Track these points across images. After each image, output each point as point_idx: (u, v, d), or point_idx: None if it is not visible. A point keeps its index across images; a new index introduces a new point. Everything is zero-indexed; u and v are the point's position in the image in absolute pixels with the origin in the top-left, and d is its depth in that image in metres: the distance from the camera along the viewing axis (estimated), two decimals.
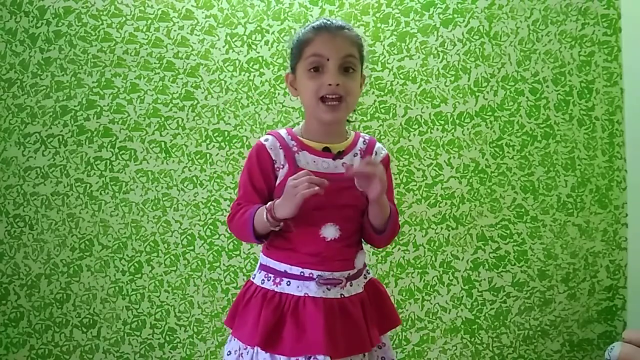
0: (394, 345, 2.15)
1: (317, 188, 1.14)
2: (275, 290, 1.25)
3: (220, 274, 2.13)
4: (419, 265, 2.15)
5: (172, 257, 2.14)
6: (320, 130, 1.29)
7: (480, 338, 2.16)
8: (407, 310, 2.15)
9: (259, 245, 1.32)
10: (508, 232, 2.15)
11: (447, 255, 2.15)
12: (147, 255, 2.14)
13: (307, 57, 1.25)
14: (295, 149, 1.27)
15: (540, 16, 2.13)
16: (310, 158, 1.27)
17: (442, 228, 2.15)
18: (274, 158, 1.26)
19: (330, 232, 1.24)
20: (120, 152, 2.14)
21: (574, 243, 2.14)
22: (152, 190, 2.14)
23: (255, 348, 1.22)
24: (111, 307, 2.15)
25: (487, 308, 2.16)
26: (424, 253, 2.15)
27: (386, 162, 1.35)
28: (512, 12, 2.13)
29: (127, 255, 2.14)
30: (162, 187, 2.14)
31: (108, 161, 2.14)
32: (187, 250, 2.14)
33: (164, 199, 2.14)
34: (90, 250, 2.14)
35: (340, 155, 1.29)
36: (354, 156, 1.30)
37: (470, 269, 2.15)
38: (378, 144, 1.37)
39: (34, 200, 2.14)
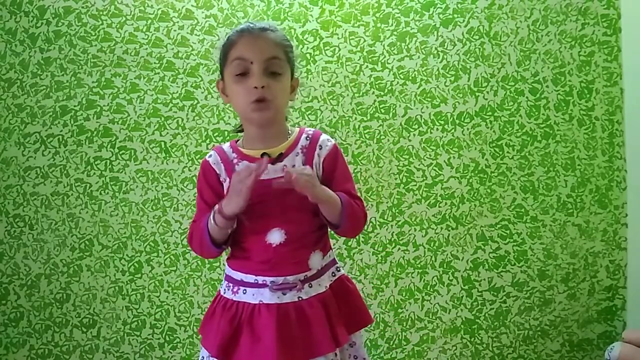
0: (394, 345, 2.15)
1: (257, 173, 1.15)
2: (233, 299, 1.26)
3: (220, 274, 2.13)
4: (419, 265, 2.15)
5: (172, 257, 2.14)
6: (257, 135, 1.29)
7: (480, 338, 2.16)
8: (407, 310, 2.15)
9: (224, 255, 1.33)
10: (508, 232, 2.15)
11: (447, 255, 2.15)
12: (147, 255, 2.14)
13: (232, 61, 1.25)
14: (235, 160, 1.29)
15: (540, 16, 2.13)
16: None
17: (442, 228, 2.15)
18: (218, 172, 1.29)
19: (275, 237, 1.24)
20: (120, 152, 2.14)
21: (573, 243, 2.14)
22: (152, 190, 2.14)
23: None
24: (111, 307, 2.15)
25: (487, 308, 2.16)
26: (424, 253, 2.15)
27: (333, 153, 1.31)
28: (512, 12, 2.13)
29: (127, 255, 2.14)
30: (162, 187, 2.14)
31: (108, 161, 2.14)
32: (187, 250, 2.14)
33: (164, 199, 2.14)
34: (90, 250, 2.14)
35: (280, 158, 1.27)
36: (296, 156, 1.29)
37: (470, 269, 2.15)
38: (323, 136, 1.33)
39: (34, 200, 2.14)
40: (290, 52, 1.30)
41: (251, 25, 1.28)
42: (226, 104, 2.13)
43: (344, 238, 2.08)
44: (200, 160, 2.11)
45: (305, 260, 1.27)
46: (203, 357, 1.31)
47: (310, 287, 1.27)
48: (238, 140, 1.35)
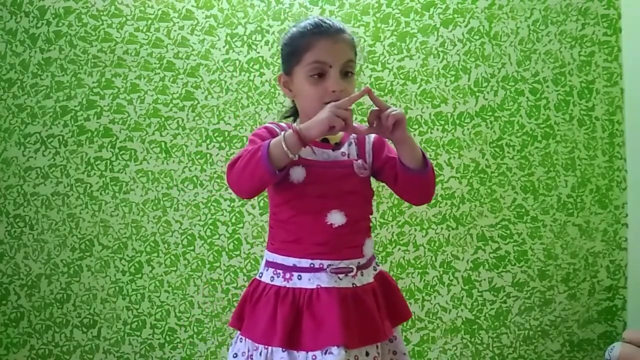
0: None
1: (344, 121, 1.13)
2: (287, 286, 1.23)
3: (220, 274, 2.13)
4: (419, 266, 2.15)
5: (172, 257, 2.14)
6: None
7: (480, 338, 2.16)
8: None
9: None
10: (508, 232, 2.15)
11: (447, 255, 2.15)
12: (147, 255, 2.14)
13: (309, 64, 1.23)
14: None
15: (541, 16, 2.13)
16: (310, 149, 1.26)
17: (442, 228, 2.15)
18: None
19: (336, 218, 1.23)
20: (121, 152, 2.14)
21: (574, 243, 2.14)
22: (153, 191, 2.14)
23: (270, 348, 1.20)
24: (111, 307, 2.15)
25: (487, 308, 2.16)
26: (424, 253, 2.15)
27: (378, 139, 1.34)
28: (512, 12, 2.13)
29: (127, 255, 2.14)
30: (162, 187, 2.14)
31: (108, 161, 2.14)
32: (188, 251, 2.14)
33: (164, 199, 2.14)
34: (91, 251, 2.14)
35: (338, 146, 1.29)
36: (349, 145, 1.31)
37: (470, 269, 2.15)
38: None
39: (34, 200, 2.14)
40: (358, 53, 1.31)
41: (326, 24, 1.25)
42: (226, 105, 2.13)
43: None
44: (201, 161, 2.13)
45: (360, 245, 1.28)
46: (238, 353, 1.26)
47: (362, 275, 1.26)
48: (293, 124, 1.30)
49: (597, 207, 2.14)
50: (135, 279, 2.15)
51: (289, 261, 1.25)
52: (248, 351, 1.25)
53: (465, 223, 2.15)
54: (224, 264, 2.14)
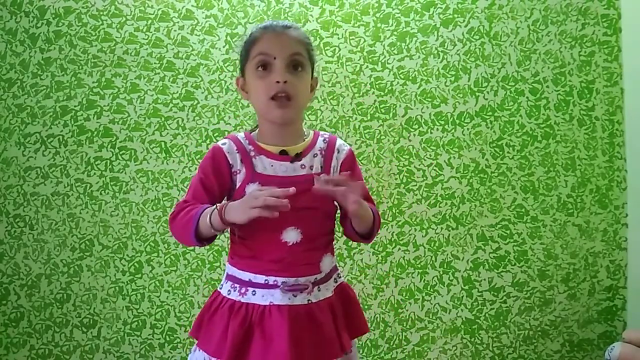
0: (394, 345, 2.15)
1: (275, 213, 1.10)
2: (242, 300, 1.23)
3: (220, 274, 2.13)
4: (419, 265, 2.15)
5: (172, 257, 2.14)
6: (275, 133, 1.27)
7: (480, 338, 2.16)
8: (407, 310, 2.15)
9: (224, 255, 1.31)
10: (508, 232, 2.15)
11: (447, 255, 2.15)
12: (147, 255, 2.14)
13: (254, 57, 1.24)
14: (252, 153, 1.25)
15: (541, 16, 2.13)
16: (268, 162, 1.24)
17: (442, 228, 2.15)
18: (231, 162, 1.24)
19: (291, 236, 1.21)
20: (121, 152, 2.14)
21: (574, 243, 2.14)
22: (153, 190, 2.14)
23: None
24: (111, 307, 2.15)
25: (487, 308, 2.16)
26: (424, 253, 2.15)
27: (350, 158, 1.33)
28: (512, 12, 2.13)
29: (127, 255, 2.14)
30: (162, 187, 2.14)
31: (108, 161, 2.14)
32: (187, 250, 2.14)
33: (164, 199, 2.14)
34: (91, 251, 2.14)
35: (298, 157, 1.26)
36: (314, 157, 1.28)
37: (470, 269, 2.15)
38: (339, 141, 1.34)
39: (34, 200, 2.14)
40: (311, 51, 1.29)
41: (274, 22, 1.27)
42: (226, 105, 2.13)
43: (344, 238, 2.07)
44: (201, 160, 2.12)
45: (317, 262, 1.26)
46: None
47: (319, 290, 1.25)
48: (252, 133, 1.31)
49: (597, 207, 2.14)
50: (135, 279, 2.15)
51: (245, 276, 1.24)
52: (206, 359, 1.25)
53: (465, 223, 2.15)
54: (223, 264, 2.14)
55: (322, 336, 1.21)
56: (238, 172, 1.24)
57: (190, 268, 2.14)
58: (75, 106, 2.13)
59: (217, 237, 1.24)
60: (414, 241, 2.15)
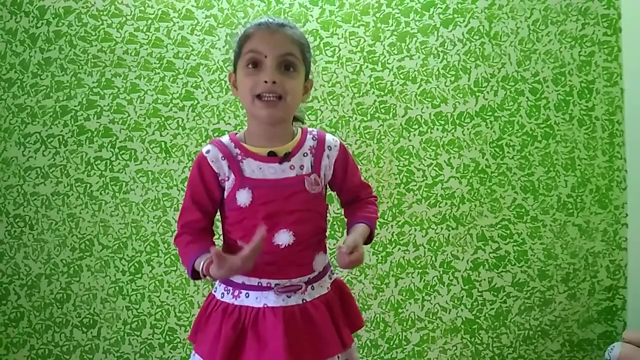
0: (394, 345, 2.15)
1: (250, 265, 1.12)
2: (235, 303, 1.22)
3: None
4: (419, 265, 2.15)
5: (172, 257, 2.14)
6: (263, 134, 1.24)
7: (480, 338, 2.16)
8: (407, 310, 2.15)
9: None
10: (508, 232, 2.15)
11: (447, 255, 2.15)
12: (147, 255, 2.14)
13: (245, 54, 1.21)
14: (239, 157, 1.23)
15: (541, 16, 2.13)
16: (256, 165, 1.22)
17: (442, 228, 2.15)
18: (216, 171, 1.22)
19: (283, 238, 1.20)
20: (121, 152, 2.14)
21: (574, 243, 2.14)
22: (153, 190, 2.14)
23: None
24: (111, 307, 2.15)
25: (487, 308, 2.16)
26: (424, 253, 2.15)
27: (343, 153, 1.31)
28: (512, 12, 2.13)
29: (127, 255, 2.14)
30: (162, 187, 2.14)
31: (108, 161, 2.14)
32: None
33: (164, 199, 2.14)
34: (91, 250, 2.14)
35: (286, 157, 1.24)
36: (304, 156, 1.26)
37: (470, 269, 2.15)
38: (329, 137, 1.31)
39: (34, 200, 2.14)
40: (306, 52, 1.26)
41: (270, 20, 1.23)
42: (226, 105, 2.13)
43: (343, 237, 2.08)
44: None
45: (310, 262, 1.26)
46: None
47: (313, 289, 1.25)
48: (237, 134, 1.28)
49: (597, 207, 2.14)
50: (135, 279, 2.15)
51: (238, 278, 1.23)
52: None
53: (465, 223, 2.15)
54: None
55: (319, 334, 1.21)
56: (227, 179, 1.22)
57: None
58: (75, 106, 2.13)
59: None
60: (414, 241, 2.15)
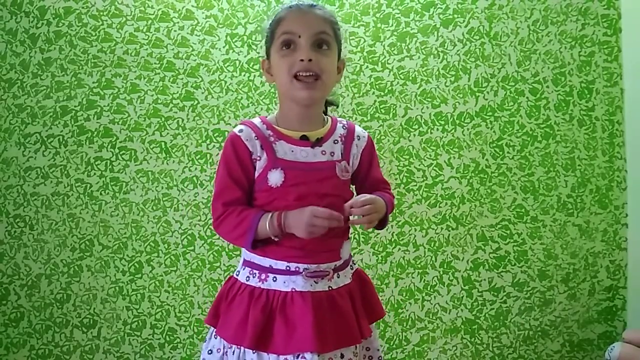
0: (394, 345, 2.15)
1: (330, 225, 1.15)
2: (262, 287, 1.22)
3: (220, 274, 2.13)
4: (419, 266, 2.15)
5: (172, 257, 2.14)
6: (296, 117, 1.25)
7: (480, 338, 2.16)
8: (407, 310, 2.16)
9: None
10: (508, 232, 2.15)
11: (447, 255, 2.15)
12: (147, 255, 2.14)
13: (279, 36, 1.22)
14: (272, 138, 1.24)
15: (541, 16, 2.13)
16: (288, 147, 1.23)
17: (442, 228, 2.15)
18: (250, 149, 1.22)
19: None
20: (121, 153, 2.14)
21: (574, 243, 2.14)
22: (153, 191, 2.14)
23: (242, 348, 1.20)
24: (111, 307, 2.15)
25: (487, 308, 2.16)
26: (424, 253, 2.15)
27: (370, 144, 1.34)
28: (512, 13, 2.13)
29: (127, 255, 2.14)
30: (162, 187, 2.14)
31: (108, 161, 2.14)
32: (188, 251, 2.14)
33: (164, 199, 2.14)
34: (91, 251, 2.14)
35: (318, 142, 1.25)
36: (334, 143, 1.27)
37: (470, 269, 2.15)
38: (358, 128, 1.34)
39: (34, 200, 2.14)
40: (337, 30, 1.27)
41: (300, 1, 1.26)
42: (226, 105, 2.13)
43: None
44: (201, 161, 2.13)
45: (337, 248, 1.26)
46: (212, 349, 1.26)
47: (339, 277, 1.25)
48: (268, 117, 1.29)
49: (597, 207, 2.14)
50: (135, 279, 2.15)
51: (266, 262, 1.23)
52: (223, 348, 1.25)
53: (465, 223, 2.15)
54: (224, 264, 2.14)
55: (344, 322, 1.21)
56: (258, 158, 1.23)
57: (190, 268, 2.14)
58: (75, 106, 2.14)
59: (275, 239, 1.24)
60: (414, 241, 2.15)
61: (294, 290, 1.20)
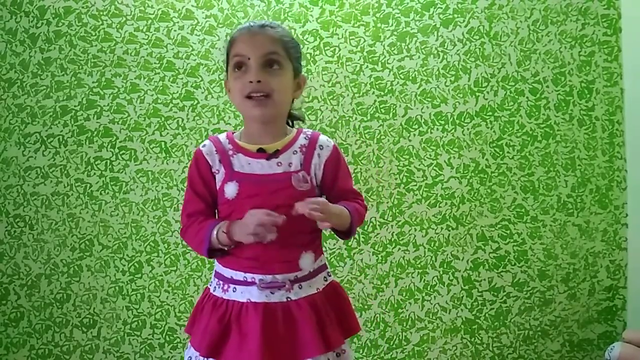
0: (394, 345, 2.15)
1: (269, 237, 1.16)
2: (224, 297, 1.26)
3: None
4: (419, 265, 2.15)
5: (172, 257, 2.14)
6: (255, 132, 1.30)
7: (480, 338, 2.16)
8: (407, 310, 2.15)
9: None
10: (508, 232, 2.15)
11: (447, 255, 2.15)
12: (147, 255, 2.14)
13: (232, 58, 1.27)
14: (231, 152, 1.29)
15: (541, 16, 2.13)
16: (245, 160, 1.27)
17: (442, 228, 2.15)
18: (210, 163, 1.29)
19: None
20: (121, 152, 2.14)
21: (574, 243, 2.14)
22: (153, 190, 2.14)
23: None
24: (111, 307, 2.15)
25: (487, 308, 2.16)
26: (424, 253, 2.15)
27: (335, 155, 1.34)
28: (512, 12, 2.13)
29: (127, 255, 2.14)
30: (162, 187, 2.14)
31: (108, 161, 2.14)
32: (187, 250, 2.14)
33: (164, 199, 2.14)
34: (91, 250, 2.14)
35: (275, 154, 1.28)
36: (293, 154, 1.29)
37: (470, 269, 2.15)
38: (322, 138, 1.35)
39: (34, 200, 2.14)
40: (291, 49, 1.30)
41: (252, 23, 1.30)
42: (226, 105, 2.13)
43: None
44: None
45: (295, 259, 1.27)
46: (190, 357, 1.29)
47: (300, 288, 1.26)
48: (235, 132, 1.35)
49: (597, 207, 2.14)
50: (135, 279, 2.15)
51: (227, 273, 1.28)
52: (195, 357, 1.28)
53: (465, 223, 2.15)
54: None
55: (298, 333, 1.22)
56: (217, 172, 1.29)
57: (190, 268, 2.14)
58: (75, 106, 2.13)
59: (228, 249, 1.27)
60: (414, 241, 2.15)
61: (249, 300, 1.23)
